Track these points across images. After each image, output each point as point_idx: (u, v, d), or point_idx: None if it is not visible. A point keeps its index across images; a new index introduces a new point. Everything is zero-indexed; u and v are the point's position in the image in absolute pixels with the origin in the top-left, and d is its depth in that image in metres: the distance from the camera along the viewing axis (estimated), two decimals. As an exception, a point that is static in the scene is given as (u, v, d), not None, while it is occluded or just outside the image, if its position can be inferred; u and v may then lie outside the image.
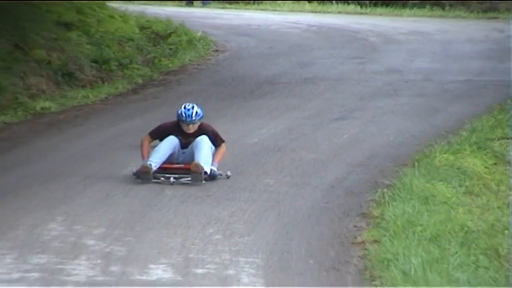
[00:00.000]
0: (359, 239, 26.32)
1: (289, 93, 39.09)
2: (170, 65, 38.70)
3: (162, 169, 23.81)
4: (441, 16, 54.73)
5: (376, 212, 28.03)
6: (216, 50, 40.34)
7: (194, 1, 46.07)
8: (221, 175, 26.13)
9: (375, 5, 58.37)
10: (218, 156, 26.82)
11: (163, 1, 46.90)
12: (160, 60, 38.42)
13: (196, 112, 23.40)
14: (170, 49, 39.68)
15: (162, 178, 22.49)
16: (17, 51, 34.86)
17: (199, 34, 41.05)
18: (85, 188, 31.05)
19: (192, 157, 23.30)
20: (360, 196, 29.60)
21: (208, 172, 23.48)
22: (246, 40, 41.79)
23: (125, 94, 39.48)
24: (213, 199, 29.03)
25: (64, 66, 38.80)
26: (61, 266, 23.94)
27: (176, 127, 23.22)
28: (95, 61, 40.23)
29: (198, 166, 22.23)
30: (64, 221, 27.02)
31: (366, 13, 52.23)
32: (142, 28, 40.59)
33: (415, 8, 58.30)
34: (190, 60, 39.37)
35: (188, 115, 22.89)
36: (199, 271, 23.81)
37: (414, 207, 28.17)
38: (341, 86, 39.92)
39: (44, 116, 36.64)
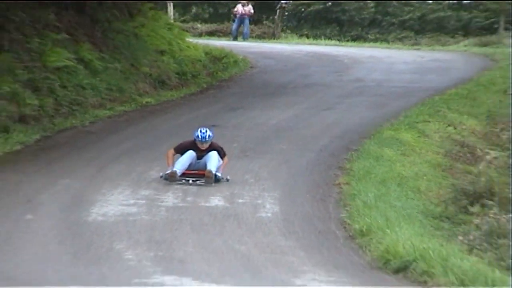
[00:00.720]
0: (337, 182, 28.79)
1: (295, 94, 40.67)
2: (223, 76, 39.51)
3: (183, 175, 24.87)
4: (386, 47, 52.05)
5: (347, 166, 30.65)
6: (251, 67, 41.40)
7: (238, 38, 46.58)
8: (223, 178, 26.50)
9: (347, 40, 57.78)
10: (223, 166, 26.96)
11: (220, 38, 46.50)
12: (217, 73, 39.57)
13: (209, 135, 24.66)
14: (223, 66, 40.63)
15: (183, 181, 24.04)
16: (132, 68, 35.94)
17: (240, 57, 41.87)
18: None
19: (204, 166, 24.72)
20: (338, 156, 31.53)
21: (216, 175, 24.69)
22: (269, 61, 43.08)
23: (195, 94, 40.52)
24: (248, 158, 31.34)
25: (159, 77, 39.34)
26: (157, 197, 26.34)
27: (192, 144, 24.46)
28: (178, 74, 40.83)
29: (210, 173, 24.00)
30: (158, 170, 28.01)
31: (342, 45, 51.02)
32: (206, 53, 41.32)
33: (371, 42, 57.18)
34: (235, 73, 40.37)
35: (203, 137, 24.39)
36: (240, 200, 26.54)
37: (370, 163, 30.59)
38: (327, 89, 41.20)
39: (147, 107, 37.81)
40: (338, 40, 51.47)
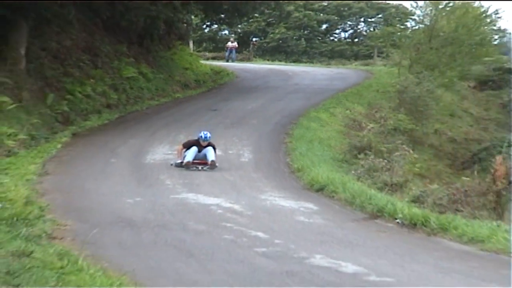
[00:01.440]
0: (284, 141, 28.43)
1: (261, 92, 38.86)
2: (220, 82, 38.76)
3: (193, 163, 22.88)
4: (312, 66, 49.47)
5: (290, 132, 29.66)
6: (237, 77, 40.71)
7: (229, 61, 46.63)
8: (217, 164, 23.46)
9: (290, 62, 53.68)
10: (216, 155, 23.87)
11: (218, 60, 45.74)
12: (217, 80, 39.21)
13: (209, 136, 23.65)
14: (220, 76, 39.94)
15: (194, 168, 22.75)
16: (169, 77, 35.53)
17: (230, 71, 41.22)
18: (191, 124, 30.65)
19: (203, 156, 23.33)
20: (285, 127, 30.78)
21: (214, 162, 22.99)
22: (246, 74, 42.16)
23: (205, 92, 38.82)
24: (234, 128, 30.52)
25: (185, 82, 37.35)
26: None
27: (196, 142, 23.37)
28: (195, 80, 39.03)
29: (214, 162, 22.82)
30: (186, 134, 27.46)
31: (287, 65, 49.51)
32: (211, 69, 40.52)
33: (304, 63, 52.47)
34: (227, 80, 39.45)
35: (205, 137, 23.50)
36: (230, 152, 26.53)
37: (303, 130, 29.96)
38: (279, 89, 38.80)
39: (178, 99, 36.44)
40: (285, 62, 51.19)
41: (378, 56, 42.73)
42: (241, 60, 50.77)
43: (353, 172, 23.62)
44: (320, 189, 21.15)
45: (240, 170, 24.00)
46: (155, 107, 33.81)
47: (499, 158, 22.30)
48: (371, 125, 29.38)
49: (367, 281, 11.76)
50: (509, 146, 26.19)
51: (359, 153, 25.94)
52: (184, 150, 23.28)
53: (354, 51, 54.66)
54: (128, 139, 27.55)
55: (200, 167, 22.74)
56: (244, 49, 54.59)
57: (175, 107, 34.28)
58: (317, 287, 11.26)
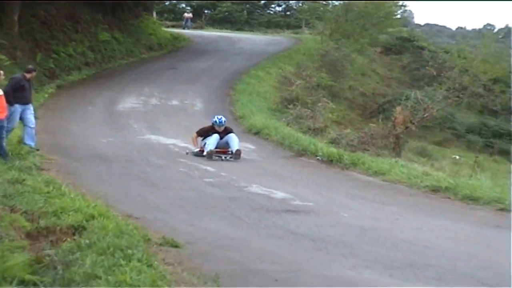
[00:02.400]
0: (230, 94, 27.91)
1: (211, 54, 37.14)
2: (179, 46, 37.41)
3: (216, 152, 17.05)
4: (253, 34, 48.38)
5: (234, 87, 29.12)
6: (192, 42, 39.53)
7: (185, 29, 45.21)
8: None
9: (235, 30, 51.42)
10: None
11: (177, 28, 43.76)
12: (175, 44, 37.97)
13: (224, 120, 17.59)
14: (179, 41, 38.66)
15: (216, 157, 16.47)
16: (136, 41, 35.39)
17: (187, 37, 40.19)
18: (155, 80, 29.97)
19: (225, 144, 17.14)
20: (230, 82, 30.05)
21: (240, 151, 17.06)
22: (199, 39, 40.18)
23: (166, 53, 37.41)
24: (189, 83, 29.85)
25: (150, 45, 37.81)
26: (148, 100, 26.27)
27: (211, 128, 17.27)
28: (157, 44, 38.54)
29: (240, 151, 16.59)
30: (150, 87, 28.04)
31: (233, 33, 47.78)
32: (171, 35, 39.23)
33: (246, 32, 49.49)
34: (184, 44, 37.81)
35: (220, 121, 17.30)
36: (186, 102, 26.35)
37: (244, 85, 29.36)
38: (226, 52, 38.23)
39: (144, 59, 35.52)
40: (231, 30, 49.17)
41: (306, 27, 42.29)
42: (195, 28, 49.40)
43: (283, 119, 23.51)
44: (257, 133, 21.27)
45: (193, 116, 23.83)
46: (125, 65, 33.08)
47: (398, 108, 22.67)
48: (299, 82, 29.22)
49: (293, 205, 11.92)
50: (406, 99, 26.36)
51: (289, 104, 25.82)
52: (201, 138, 17.48)
53: (287, 22, 52.98)
54: (103, 91, 27.04)
55: (223, 157, 16.72)
56: (198, 19, 53.63)
57: (141, 66, 33.58)
58: (253, 209, 11.30)
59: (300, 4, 53.59)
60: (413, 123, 21.99)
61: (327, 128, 22.13)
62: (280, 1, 58.47)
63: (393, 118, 21.79)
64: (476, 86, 32.36)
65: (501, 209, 12.08)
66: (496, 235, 9.97)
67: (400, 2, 43.36)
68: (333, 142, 20.05)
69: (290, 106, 25.39)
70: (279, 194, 12.71)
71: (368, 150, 19.47)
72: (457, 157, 24.93)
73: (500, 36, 55.46)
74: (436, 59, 35.68)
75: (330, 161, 17.31)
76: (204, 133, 17.42)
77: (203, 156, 16.62)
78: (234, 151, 16.69)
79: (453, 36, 68.74)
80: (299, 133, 20.90)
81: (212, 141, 16.80)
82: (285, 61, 33.91)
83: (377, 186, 14.65)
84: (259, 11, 59.75)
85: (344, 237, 9.41)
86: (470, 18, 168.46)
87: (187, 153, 17.05)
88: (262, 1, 57.74)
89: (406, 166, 16.45)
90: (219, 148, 16.74)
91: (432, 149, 25.92)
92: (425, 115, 23.74)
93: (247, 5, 57.41)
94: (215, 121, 17.53)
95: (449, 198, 13.37)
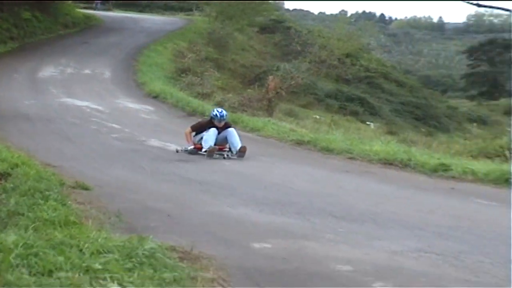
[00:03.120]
0: (133, 64, 27.09)
1: (120, 32, 35.55)
2: (90, 24, 35.55)
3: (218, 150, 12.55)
4: (153, 15, 47.31)
5: (137, 59, 28.11)
6: (102, 21, 37.13)
7: (96, 9, 43.20)
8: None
9: (139, 12, 49.00)
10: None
11: (89, 10, 42.12)
12: (88, 23, 35.78)
13: (226, 114, 12.86)
14: (90, 20, 36.52)
15: (217, 155, 12.01)
16: (54, 20, 33.98)
17: (98, 17, 37.82)
18: (70, 53, 29.09)
19: (223, 140, 12.52)
20: (134, 55, 29.09)
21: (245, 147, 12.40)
22: (109, 19, 37.41)
23: (79, 31, 35.61)
24: (100, 56, 28.82)
25: (65, 24, 35.54)
26: (65, 68, 25.58)
27: (209, 123, 12.67)
28: (72, 22, 36.13)
29: (245, 148, 12.06)
30: (67, 58, 27.18)
31: (137, 14, 46.89)
32: (83, 15, 36.20)
33: (146, 13, 47.62)
34: (95, 23, 36.14)
35: (222, 115, 12.56)
36: (97, 71, 25.57)
37: (145, 58, 28.57)
38: (130, 30, 36.70)
39: (60, 35, 34.01)
40: (134, 12, 46.38)
41: (196, 10, 41.49)
42: (105, 10, 47.57)
43: (178, 86, 23.30)
44: (156, 96, 21.00)
45: (103, 83, 23.50)
46: (45, 40, 31.67)
47: (271, 77, 22.79)
48: (190, 55, 28.97)
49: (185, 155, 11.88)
50: (277, 70, 26.72)
51: (182, 73, 25.58)
52: (194, 133, 12.72)
53: (180, 6, 50.38)
54: (26, 62, 25.95)
55: (225, 155, 12.14)
56: (107, 2, 51.72)
57: (59, 41, 32.29)
58: (151, 159, 11.25)
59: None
60: (283, 89, 22.14)
61: (213, 93, 22.12)
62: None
63: (266, 85, 21.89)
64: (332, 60, 33.40)
65: (350, 158, 12.33)
66: (345, 178, 10.19)
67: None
68: (218, 104, 20.03)
69: (183, 75, 25.25)
70: (173, 146, 12.62)
71: (246, 111, 19.55)
72: (318, 116, 25.28)
73: (352, 20, 56.84)
74: (301, 37, 36.43)
75: (215, 119, 17.53)
76: (201, 128, 12.61)
77: (200, 154, 11.98)
78: (238, 148, 12.00)
79: (315, 19, 69.71)
80: (190, 97, 20.77)
81: (211, 137, 12.14)
82: (179, 38, 33.40)
83: (253, 140, 14.64)
84: None
85: (225, 181, 9.39)
86: (329, 5, 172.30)
87: (177, 151, 12.02)
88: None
89: (277, 124, 16.67)
90: (217, 145, 12.19)
91: (298, 111, 26.15)
92: (292, 83, 24.12)
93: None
94: (215, 115, 12.50)
95: (310, 149, 13.54)
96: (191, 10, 42.58)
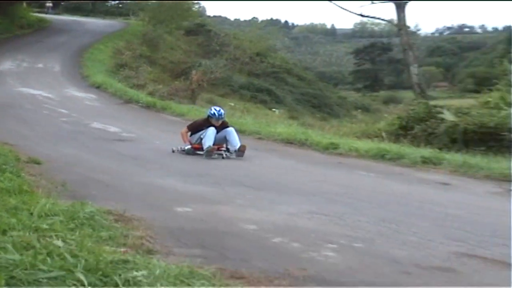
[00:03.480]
0: (80, 60, 26.15)
1: (68, 32, 34.03)
2: (44, 26, 33.47)
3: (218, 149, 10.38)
4: (96, 18, 44.56)
5: (83, 55, 27.15)
6: (53, 23, 34.65)
7: (48, 13, 40.52)
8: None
9: (84, 16, 46.11)
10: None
11: (41, 13, 40.70)
12: (41, 25, 33.78)
13: (224, 112, 10.60)
14: (44, 23, 34.65)
15: (216, 155, 9.86)
16: (11, 22, 32.09)
17: (49, 20, 35.34)
18: (26, 50, 27.74)
19: (222, 139, 10.33)
20: (81, 52, 27.92)
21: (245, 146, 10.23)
22: (60, 22, 37.10)
23: (33, 31, 33.68)
24: (53, 52, 27.54)
25: (21, 25, 33.69)
26: (19, 62, 24.50)
27: (206, 122, 10.50)
28: (27, 24, 34.53)
29: (245, 147, 9.99)
30: (23, 56, 26.25)
31: (83, 17, 44.61)
32: (37, 18, 36.53)
33: (93, 17, 45.16)
34: (48, 25, 33.87)
35: (220, 114, 10.35)
36: (49, 65, 24.62)
37: (90, 54, 27.57)
38: (78, 31, 34.78)
39: (17, 35, 31.85)
40: (81, 16, 44.05)
41: (133, 15, 40.42)
42: (55, 14, 45.21)
43: (116, 78, 22.71)
44: (98, 87, 20.57)
45: (53, 75, 22.84)
46: (3, 39, 29.97)
47: (194, 72, 22.72)
48: (127, 52, 28.24)
49: (121, 136, 11.79)
50: (200, 65, 26.52)
51: (120, 68, 25.00)
52: (190, 133, 10.39)
53: (120, 11, 48.62)
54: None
55: (225, 155, 9.98)
56: (57, 7, 49.35)
57: (16, 40, 30.78)
58: (94, 139, 11.09)
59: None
60: (204, 82, 22.06)
61: (146, 85, 21.76)
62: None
63: (190, 78, 21.79)
64: (245, 57, 33.34)
65: (259, 138, 12.35)
66: (254, 154, 10.12)
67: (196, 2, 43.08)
68: (151, 94, 19.90)
69: (121, 69, 24.52)
70: (112, 128, 12.50)
71: (173, 99, 19.35)
72: (233, 104, 25.08)
73: (262, 25, 56.84)
74: (220, 39, 36.36)
75: (148, 106, 17.28)
76: (198, 127, 10.42)
77: (198, 154, 9.91)
78: (237, 148, 9.93)
79: (232, 24, 69.44)
80: (127, 87, 20.43)
81: (210, 136, 10.04)
82: (118, 39, 32.42)
83: (179, 123, 14.45)
84: (100, 2, 55.65)
85: (155, 157, 9.34)
86: (244, 12, 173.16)
87: (173, 151, 10.01)
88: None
89: (199, 110, 16.42)
90: (215, 144, 10.09)
91: (217, 99, 25.82)
92: (211, 76, 23.89)
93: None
94: (213, 114, 10.34)
95: None
96: (128, 15, 41.40)
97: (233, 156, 9.79)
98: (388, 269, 3.99)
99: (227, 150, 10.01)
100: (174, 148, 10.09)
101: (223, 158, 9.72)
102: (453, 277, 3.89)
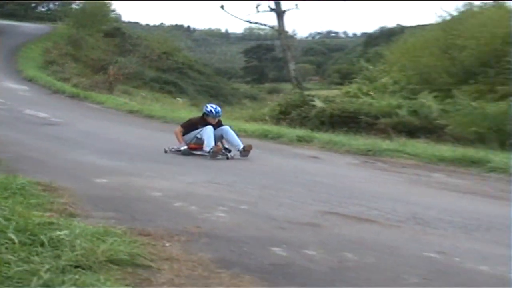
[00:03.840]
0: (14, 57, 24.87)
1: (2, 34, 30.38)
2: None
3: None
4: (29, 23, 40.87)
5: (17, 54, 25.40)
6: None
7: None
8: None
9: (18, 20, 40.02)
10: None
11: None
12: None
13: (220, 110, 8.27)
14: None
15: (220, 156, 7.62)
16: None
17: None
18: None
19: (218, 138, 7.94)
20: (15, 51, 26.40)
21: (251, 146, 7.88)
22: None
23: None
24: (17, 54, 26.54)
25: None
26: None
27: (201, 120, 8.13)
28: None
29: (250, 146, 7.71)
30: None
31: (16, 22, 39.56)
32: None
33: (26, 22, 40.10)
34: None
35: (217, 112, 8.07)
36: None
37: (24, 53, 25.95)
38: (13, 33, 31.62)
39: None
40: (15, 21, 40.08)
41: (59, 20, 37.68)
42: None
43: (46, 72, 21.95)
44: (30, 80, 20.02)
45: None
46: None
47: (111, 67, 22.53)
48: (55, 51, 27.18)
49: (50, 120, 11.50)
50: (116, 62, 26.25)
51: (49, 64, 24.33)
52: (183, 132, 8.21)
53: (48, 16, 44.60)
54: None
55: (229, 155, 7.79)
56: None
57: None
58: (27, 123, 10.86)
59: (56, 6, 48.38)
60: (119, 76, 22.12)
61: (71, 78, 21.50)
62: (44, 2, 50.49)
63: (108, 73, 21.74)
64: (153, 56, 33.42)
65: (165, 122, 12.16)
66: (161, 135, 9.88)
67: (112, 7, 41.39)
68: (75, 85, 19.72)
69: (50, 65, 24.05)
70: (42, 114, 12.26)
71: (94, 90, 19.32)
72: (144, 94, 24.89)
73: (169, 29, 56.32)
74: (133, 40, 35.99)
75: (73, 96, 17.08)
76: (192, 126, 8.27)
77: (196, 154, 7.92)
78: (241, 148, 7.84)
79: (143, 28, 67.61)
80: (55, 80, 19.97)
81: (210, 135, 7.97)
82: (47, 40, 30.86)
83: (99, 109, 14.64)
84: (32, 9, 51.70)
85: (78, 138, 9.04)
86: (153, 19, 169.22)
87: (166, 151, 7.92)
88: (33, 4, 49.49)
89: (116, 99, 16.77)
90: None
91: (131, 90, 25.35)
92: (126, 71, 23.96)
93: (24, 5, 49.15)
94: (210, 111, 8.30)
95: (138, 116, 13.46)
96: (55, 20, 39.41)
97: (238, 156, 7.78)
98: (267, 225, 3.98)
99: (226, 149, 8.01)
100: (167, 148, 7.98)
101: (227, 159, 7.71)
102: (318, 230, 3.93)
